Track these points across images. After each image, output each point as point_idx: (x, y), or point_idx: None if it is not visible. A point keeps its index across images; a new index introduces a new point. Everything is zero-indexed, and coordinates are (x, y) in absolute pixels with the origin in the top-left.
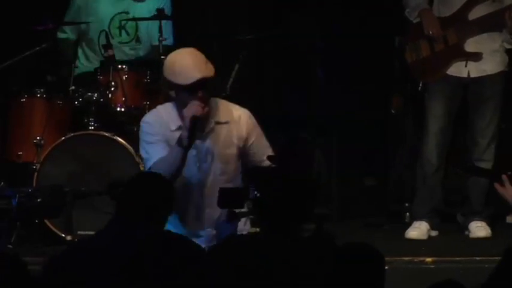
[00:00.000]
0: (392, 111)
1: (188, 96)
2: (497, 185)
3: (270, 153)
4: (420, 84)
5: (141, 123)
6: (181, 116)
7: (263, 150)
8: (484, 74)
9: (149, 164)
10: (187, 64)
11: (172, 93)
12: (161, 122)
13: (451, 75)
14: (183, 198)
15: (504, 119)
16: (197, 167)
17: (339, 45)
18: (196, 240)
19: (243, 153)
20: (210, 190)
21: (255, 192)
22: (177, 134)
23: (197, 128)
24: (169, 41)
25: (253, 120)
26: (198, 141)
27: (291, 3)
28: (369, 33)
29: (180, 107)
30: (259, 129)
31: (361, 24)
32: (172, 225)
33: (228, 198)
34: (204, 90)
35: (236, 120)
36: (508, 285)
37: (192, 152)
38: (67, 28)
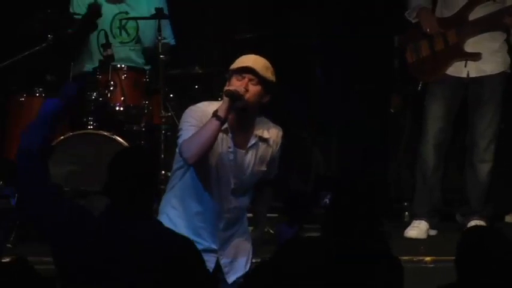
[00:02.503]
0: (392, 111)
1: (234, 77)
2: None
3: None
4: (420, 84)
5: (186, 110)
6: None
7: (274, 168)
8: (484, 74)
9: (180, 139)
10: (246, 56)
11: (227, 86)
12: (205, 112)
13: (451, 76)
14: (209, 195)
15: (504, 120)
16: (230, 171)
17: (339, 45)
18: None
19: None
20: (235, 193)
21: (326, 200)
22: None
23: (235, 104)
24: (170, 40)
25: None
26: (240, 152)
27: (291, 3)
28: (368, 33)
29: None
30: None
31: (361, 24)
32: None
33: (297, 201)
34: (251, 77)
35: (275, 139)
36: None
37: (230, 156)
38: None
